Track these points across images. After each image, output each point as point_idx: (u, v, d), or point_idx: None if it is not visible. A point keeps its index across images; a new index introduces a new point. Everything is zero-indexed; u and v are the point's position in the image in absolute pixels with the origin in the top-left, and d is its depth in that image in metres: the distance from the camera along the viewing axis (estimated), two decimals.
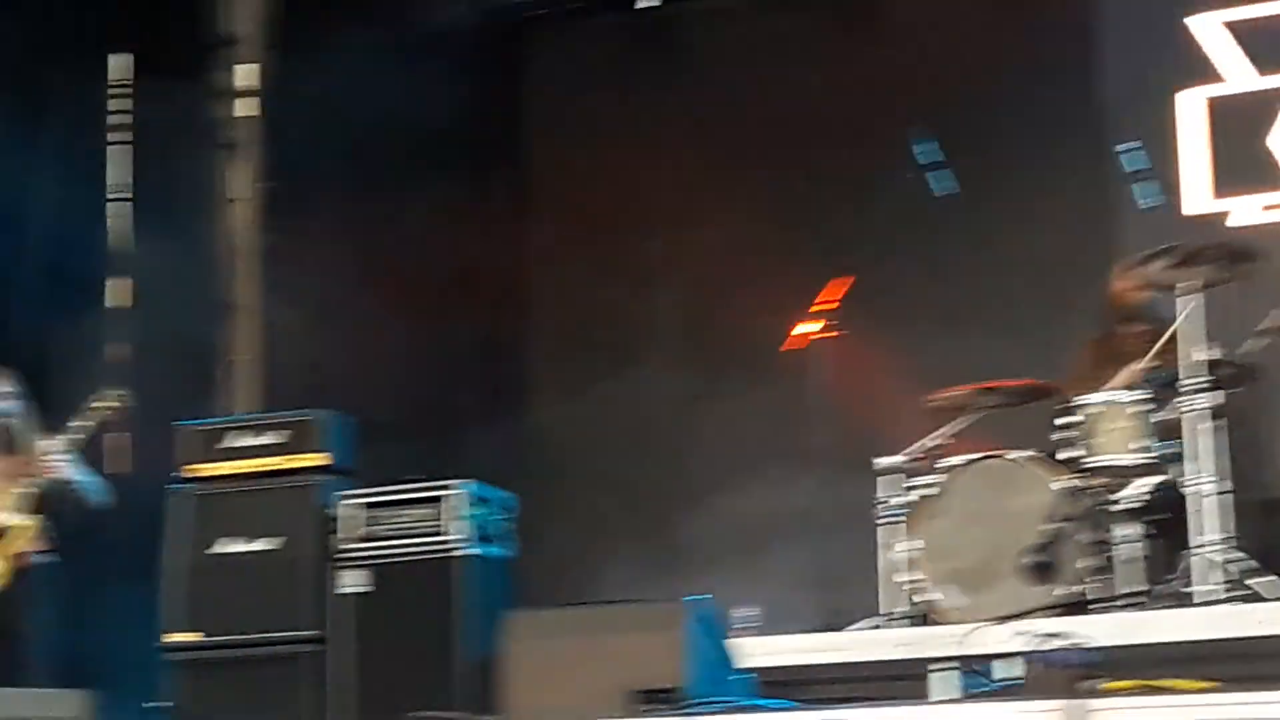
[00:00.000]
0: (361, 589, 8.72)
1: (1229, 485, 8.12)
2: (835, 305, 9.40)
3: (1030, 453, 8.60)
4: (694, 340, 12.10)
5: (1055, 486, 8.38)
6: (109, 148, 12.31)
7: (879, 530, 8.88)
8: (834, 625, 8.77)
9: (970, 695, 6.39)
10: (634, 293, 12.41)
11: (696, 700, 5.96)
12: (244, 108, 12.71)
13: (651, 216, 12.31)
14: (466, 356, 12.54)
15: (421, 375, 12.20)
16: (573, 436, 12.37)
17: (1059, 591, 8.16)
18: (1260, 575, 7.91)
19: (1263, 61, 11.14)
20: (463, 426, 12.03)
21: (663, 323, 12.35)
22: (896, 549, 8.73)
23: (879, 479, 8.94)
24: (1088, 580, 8.24)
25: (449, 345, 12.39)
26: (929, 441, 9.00)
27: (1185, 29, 11.36)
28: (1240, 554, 7.99)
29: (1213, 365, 8.33)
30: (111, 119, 12.34)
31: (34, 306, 11.23)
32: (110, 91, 12.33)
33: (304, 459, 9.02)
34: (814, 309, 9.42)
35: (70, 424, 9.14)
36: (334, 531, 8.82)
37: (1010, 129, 11.43)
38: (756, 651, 7.84)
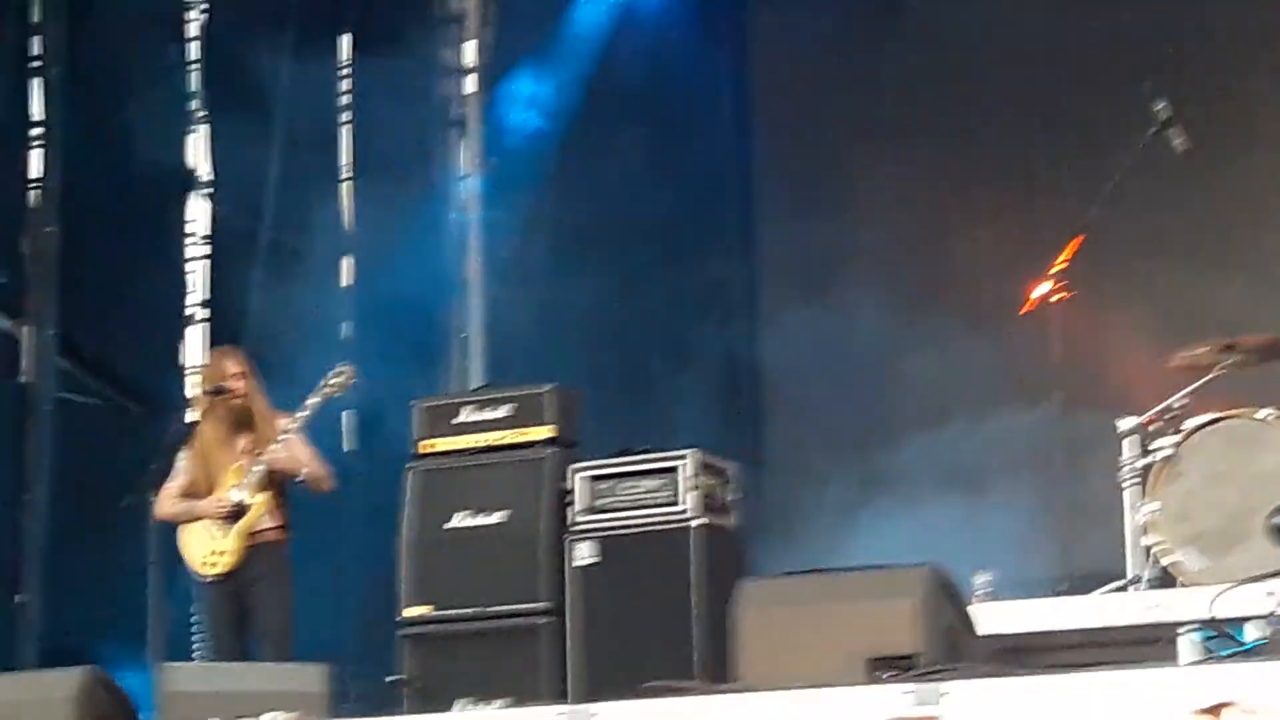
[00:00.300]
0: (595, 560, 8.74)
1: None
2: (1068, 264, 9.25)
3: (1276, 411, 8.41)
4: (927, 293, 12.01)
5: None
6: (339, 128, 12.47)
7: (1124, 493, 8.72)
8: (1075, 589, 8.65)
9: (1221, 657, 6.25)
10: (857, 238, 12.34)
11: (937, 667, 5.88)
12: (468, 85, 12.83)
13: (879, 164, 12.20)
14: (682, 322, 12.56)
15: (636, 343, 12.25)
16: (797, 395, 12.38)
17: None
18: None
19: None
20: (682, 397, 12.05)
21: (889, 270, 12.25)
22: (1139, 511, 8.58)
23: (1123, 441, 8.78)
24: None
25: (665, 310, 12.42)
26: (1172, 402, 8.82)
27: None
28: None
29: None
30: (339, 100, 12.50)
31: (265, 286, 11.42)
32: (338, 72, 12.49)
33: (533, 432, 9.06)
34: (1051, 269, 9.27)
35: (303, 402, 9.25)
36: (567, 504, 8.85)
37: (1251, 84, 11.24)
38: (997, 617, 7.77)
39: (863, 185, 12.37)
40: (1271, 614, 6.06)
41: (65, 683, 7.63)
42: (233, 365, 9.34)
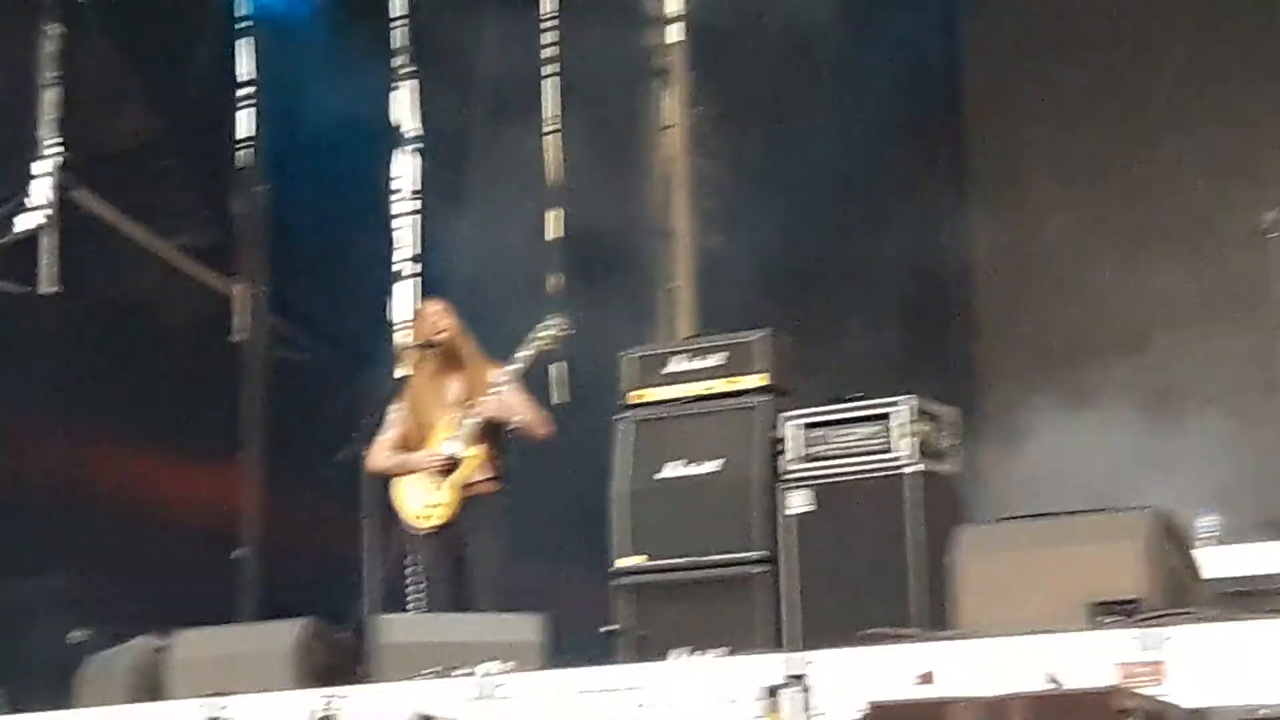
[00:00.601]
0: (808, 509, 8.70)
1: None
2: None
3: None
4: (1137, 206, 11.86)
5: None
6: (542, 80, 12.51)
7: None
8: None
9: None
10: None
11: (1162, 612, 5.80)
12: (673, 34, 12.81)
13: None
14: (889, 269, 12.49)
15: (847, 290, 12.19)
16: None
17: None
18: None
19: None
20: (889, 344, 11.99)
21: (1093, 179, 12.11)
22: None
23: None
24: None
25: (871, 257, 12.35)
26: None
27: None
28: None
29: None
30: (543, 52, 12.53)
31: (473, 239, 11.50)
32: (540, 24, 12.52)
33: (744, 380, 9.01)
34: None
35: (514, 355, 9.27)
36: (779, 452, 8.80)
37: None
38: (1224, 560, 7.65)
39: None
40: None
41: (284, 635, 7.78)
42: (442, 318, 9.38)
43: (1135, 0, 12.08)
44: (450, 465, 9.17)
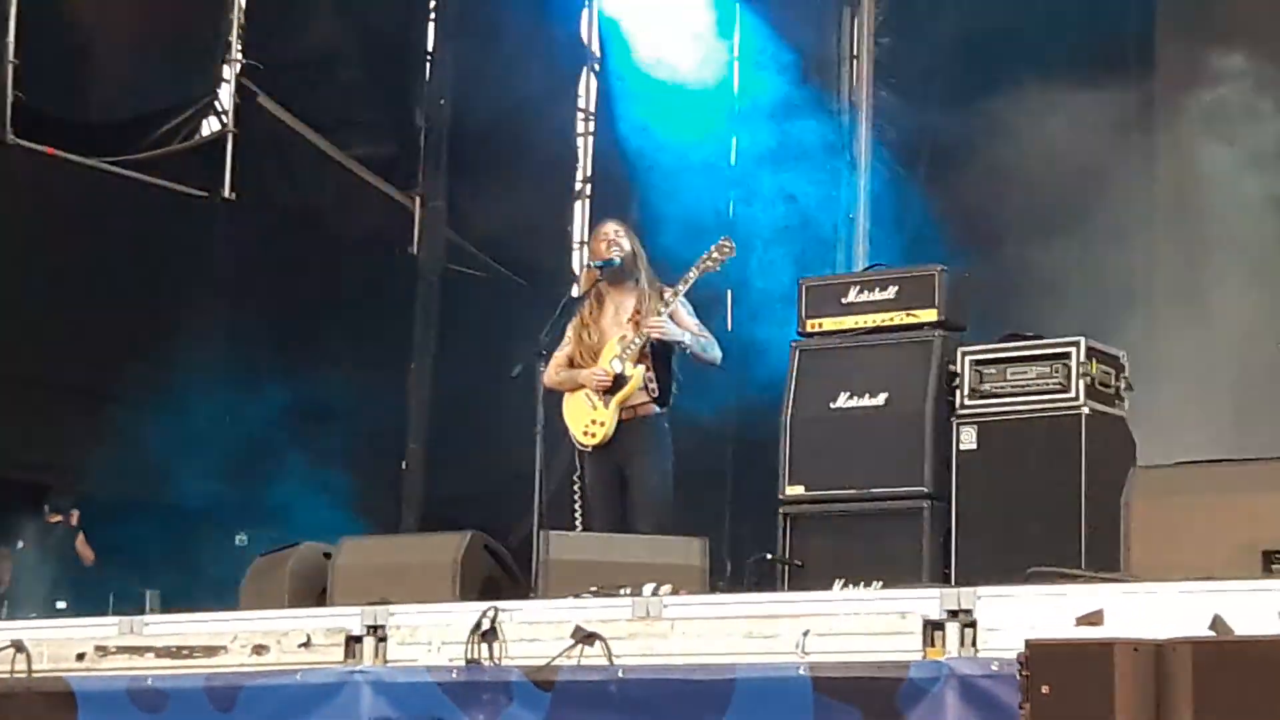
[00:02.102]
0: (976, 446, 8.65)
1: None
2: None
3: None
4: None
5: None
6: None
7: None
8: None
9: None
10: None
11: None
12: None
13: None
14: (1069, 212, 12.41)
15: (1009, 230, 12.12)
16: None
17: None
18: None
19: None
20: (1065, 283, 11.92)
21: None
22: None
23: None
24: None
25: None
26: None
27: None
28: None
29: None
30: None
31: (652, 165, 11.51)
32: None
33: (921, 314, 8.96)
34: None
35: (683, 276, 9.30)
36: (955, 387, 8.76)
37: None
38: None
39: None
40: None
41: (450, 545, 7.86)
42: (610, 230, 9.43)
43: None
44: (615, 383, 9.21)
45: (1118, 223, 13.00)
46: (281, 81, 12.78)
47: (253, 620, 7.67)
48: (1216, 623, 5.47)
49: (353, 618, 7.32)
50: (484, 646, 6.86)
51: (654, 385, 9.27)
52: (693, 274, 9.28)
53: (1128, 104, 12.65)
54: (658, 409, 9.31)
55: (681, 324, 9.28)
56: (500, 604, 7.02)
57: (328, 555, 8.20)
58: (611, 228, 9.53)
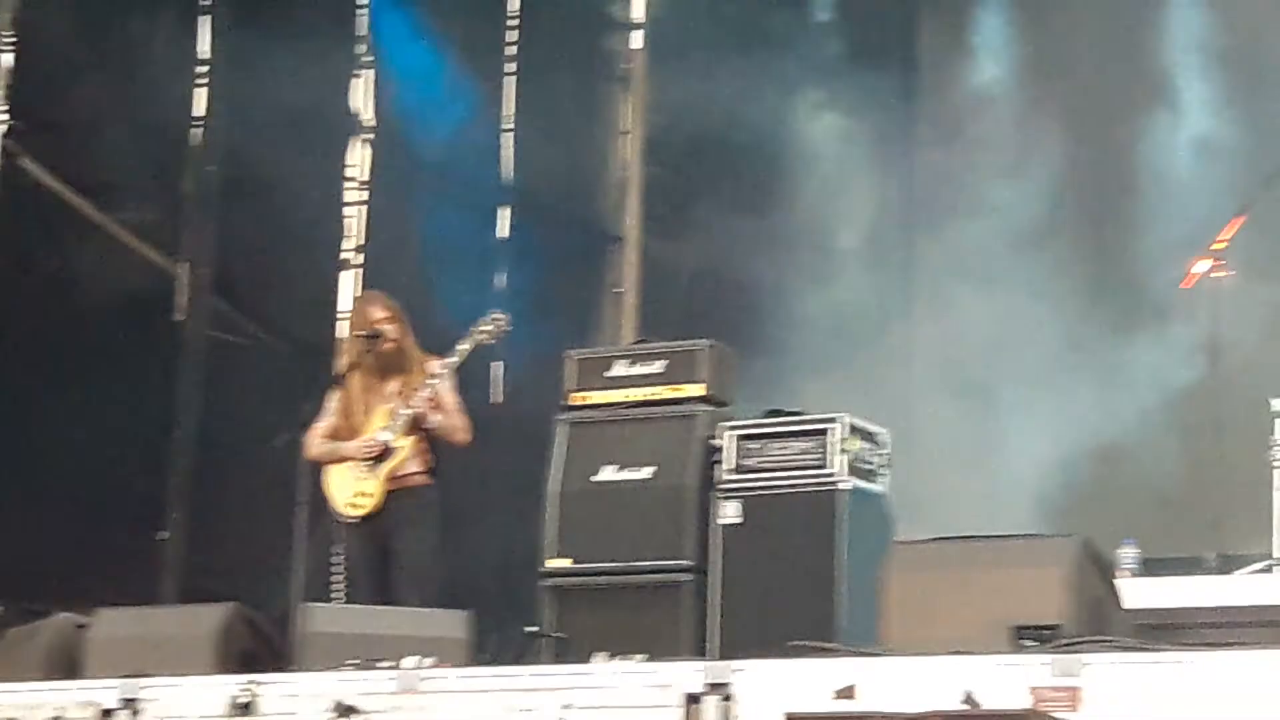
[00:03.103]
0: (741, 520, 8.76)
1: None
2: (1227, 243, 9.18)
3: None
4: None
5: None
6: (504, 78, 12.53)
7: (1275, 473, 8.65)
8: (1221, 567, 8.62)
9: None
10: None
11: (1081, 638, 5.89)
12: (635, 40, 12.86)
13: None
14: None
15: (796, 305, 12.29)
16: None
17: None
18: None
19: None
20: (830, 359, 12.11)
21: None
22: None
23: (1275, 420, 8.70)
24: None
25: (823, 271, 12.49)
26: None
27: None
28: None
29: None
30: (506, 50, 12.56)
31: (423, 232, 11.50)
32: (506, 23, 12.55)
33: (686, 389, 9.08)
34: (1211, 247, 9.20)
35: (453, 349, 9.30)
36: (716, 462, 8.87)
37: None
38: (1144, 591, 7.74)
39: None
40: None
41: (207, 619, 7.78)
42: (383, 310, 9.39)
43: None
44: (382, 454, 9.19)
45: (880, 304, 13.28)
46: (46, 143, 12.62)
47: (2, 694, 7.53)
48: (967, 697, 5.61)
49: (108, 691, 7.22)
50: None
51: (425, 457, 9.26)
52: (462, 348, 9.29)
53: None
54: (425, 481, 9.30)
55: (442, 399, 9.27)
56: (259, 677, 6.97)
57: (82, 626, 8.09)
58: (374, 298, 9.53)
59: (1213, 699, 5.41)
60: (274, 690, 6.89)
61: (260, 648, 7.82)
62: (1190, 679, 5.45)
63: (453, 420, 9.28)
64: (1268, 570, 8.44)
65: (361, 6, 12.25)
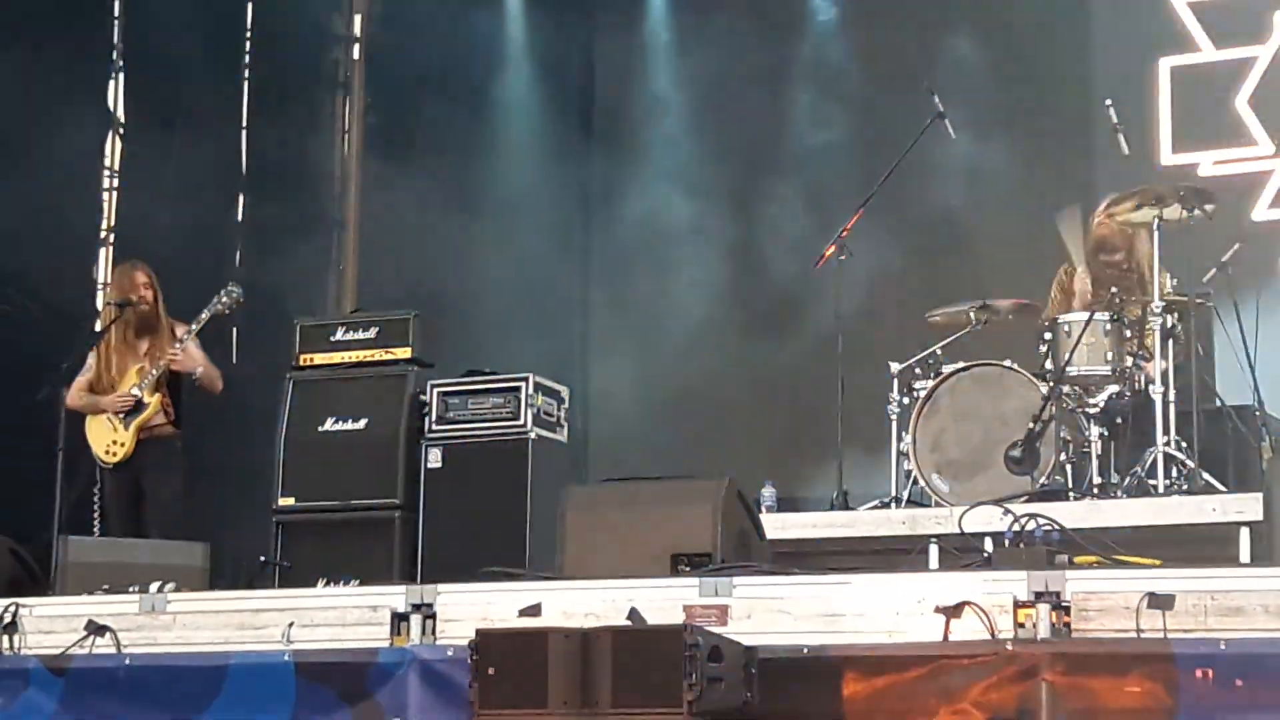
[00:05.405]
0: (442, 465, 8.81)
1: (1180, 395, 8.10)
2: (846, 233, 9.34)
3: (1017, 363, 8.54)
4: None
5: (1039, 391, 8.29)
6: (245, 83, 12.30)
7: (892, 424, 8.83)
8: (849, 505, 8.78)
9: (953, 565, 6.35)
10: None
11: (729, 564, 5.96)
12: (354, 52, 12.75)
13: None
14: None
15: (498, 281, 12.28)
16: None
17: (1039, 480, 8.13)
18: (1202, 472, 7.93)
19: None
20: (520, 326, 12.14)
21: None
22: (901, 441, 8.71)
23: (894, 380, 8.88)
24: (1062, 472, 8.22)
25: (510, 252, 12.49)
26: (934, 350, 8.93)
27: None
28: (1186, 453, 7.99)
29: (1174, 293, 8.35)
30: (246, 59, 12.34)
31: (171, 214, 11.19)
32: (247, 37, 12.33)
33: (394, 352, 9.11)
34: (837, 237, 9.35)
35: (197, 315, 9.17)
36: (424, 414, 8.89)
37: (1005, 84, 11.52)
38: (782, 524, 7.88)
39: None
40: (1003, 532, 6.16)
41: None
42: (140, 277, 9.25)
43: None
44: (135, 408, 9.04)
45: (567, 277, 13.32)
46: None
47: None
48: (633, 614, 5.63)
49: None
50: (4, 638, 6.66)
51: (171, 410, 9.11)
52: (204, 316, 9.17)
53: None
54: (172, 432, 9.16)
55: (192, 358, 9.15)
56: (21, 600, 6.78)
57: None
58: (133, 267, 9.35)
59: (837, 615, 5.52)
60: (35, 612, 6.72)
61: (23, 575, 7.60)
62: (819, 598, 5.55)
63: (211, 371, 9.22)
64: (882, 507, 8.61)
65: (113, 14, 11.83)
